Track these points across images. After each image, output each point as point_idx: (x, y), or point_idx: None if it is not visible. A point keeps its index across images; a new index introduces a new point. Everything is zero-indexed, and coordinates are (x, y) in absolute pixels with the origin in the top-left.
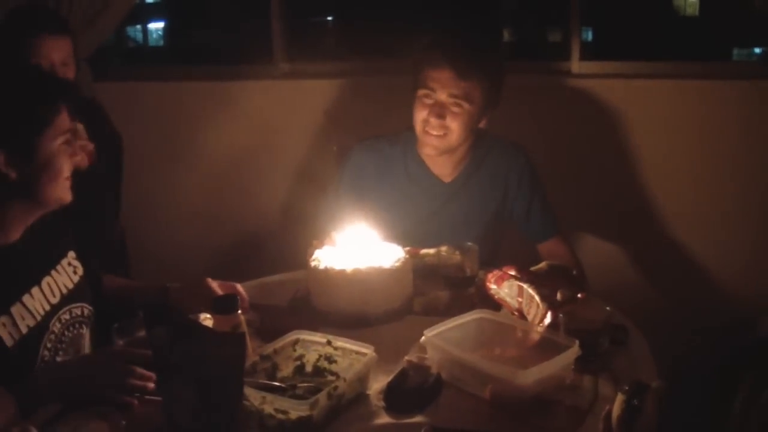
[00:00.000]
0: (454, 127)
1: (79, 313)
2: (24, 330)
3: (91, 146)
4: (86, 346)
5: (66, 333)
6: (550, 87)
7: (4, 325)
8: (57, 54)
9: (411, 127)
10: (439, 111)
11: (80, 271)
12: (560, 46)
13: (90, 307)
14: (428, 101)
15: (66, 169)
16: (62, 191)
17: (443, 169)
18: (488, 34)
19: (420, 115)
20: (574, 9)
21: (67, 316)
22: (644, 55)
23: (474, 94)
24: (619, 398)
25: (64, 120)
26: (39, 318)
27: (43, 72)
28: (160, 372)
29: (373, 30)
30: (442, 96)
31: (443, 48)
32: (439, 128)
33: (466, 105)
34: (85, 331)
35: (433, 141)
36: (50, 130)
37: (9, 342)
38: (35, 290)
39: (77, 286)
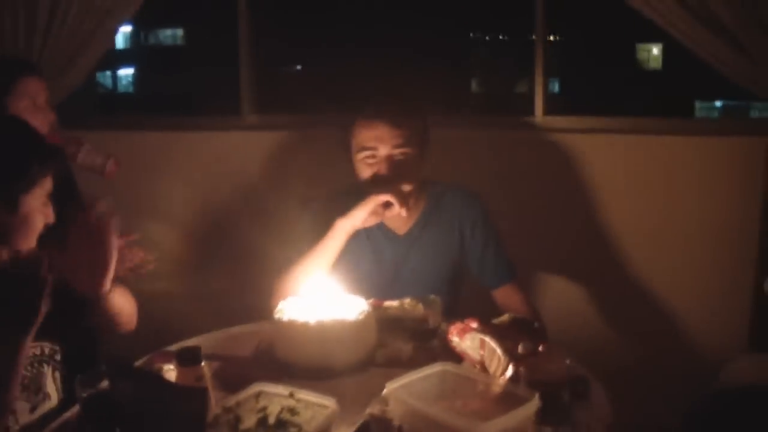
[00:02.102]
0: (407, 174)
1: (38, 352)
2: None
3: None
4: (48, 385)
5: (26, 371)
6: (514, 140)
7: None
8: (43, 95)
9: (361, 182)
10: (389, 166)
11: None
12: (527, 97)
13: (54, 346)
14: (372, 161)
15: (39, 226)
16: (31, 245)
17: (396, 222)
18: (397, 81)
19: (368, 175)
20: (539, 62)
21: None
22: (610, 107)
23: (413, 138)
24: None
25: (48, 182)
26: None
27: (40, 135)
28: (123, 426)
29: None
30: (385, 151)
31: (371, 106)
32: None
33: (410, 150)
34: (46, 370)
35: None
36: (36, 189)
37: None
38: None
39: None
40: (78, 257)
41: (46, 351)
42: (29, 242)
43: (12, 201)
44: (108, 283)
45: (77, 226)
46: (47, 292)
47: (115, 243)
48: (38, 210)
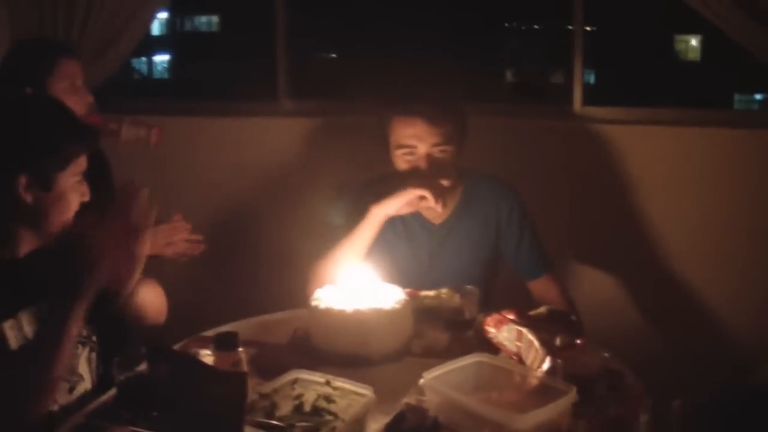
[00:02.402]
0: (445, 170)
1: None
2: (30, 335)
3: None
4: (81, 366)
5: None
6: (550, 129)
7: (11, 327)
8: (81, 77)
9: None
10: (428, 163)
11: None
12: (562, 87)
13: (90, 326)
14: (410, 158)
15: (74, 205)
16: (62, 228)
17: (432, 212)
18: (436, 74)
19: (405, 168)
20: (578, 52)
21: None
22: (646, 99)
23: (452, 136)
24: None
25: (83, 161)
26: None
27: (75, 114)
28: (161, 408)
29: (377, 67)
30: (424, 149)
31: (410, 104)
32: None
33: (449, 147)
34: (80, 351)
35: None
36: (72, 167)
37: (14, 344)
38: (40, 305)
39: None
40: (107, 248)
41: (83, 332)
42: (65, 221)
43: (47, 179)
44: (132, 282)
45: (112, 215)
46: (95, 268)
47: (148, 242)
48: (73, 188)
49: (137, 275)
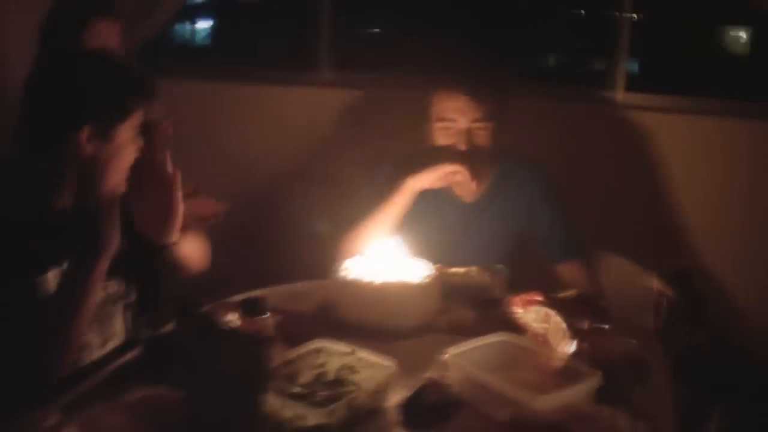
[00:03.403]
0: (483, 148)
1: (111, 290)
2: None
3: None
4: (117, 323)
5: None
6: (592, 115)
7: (55, 276)
8: (114, 39)
9: (435, 147)
10: (467, 139)
11: None
12: (602, 75)
13: (128, 286)
14: (450, 132)
15: (129, 159)
16: (119, 180)
17: (465, 189)
18: (481, 52)
19: (444, 144)
20: (624, 38)
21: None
22: (691, 91)
23: (492, 112)
24: None
25: (141, 114)
26: None
27: (136, 68)
28: (185, 369)
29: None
30: (464, 124)
31: (454, 77)
32: None
33: (489, 124)
34: (117, 308)
35: None
36: (131, 120)
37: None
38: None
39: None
40: (147, 203)
41: (119, 290)
42: (121, 174)
43: (108, 131)
44: (175, 234)
45: (146, 171)
46: (117, 228)
47: (180, 195)
48: (131, 142)
49: (176, 232)
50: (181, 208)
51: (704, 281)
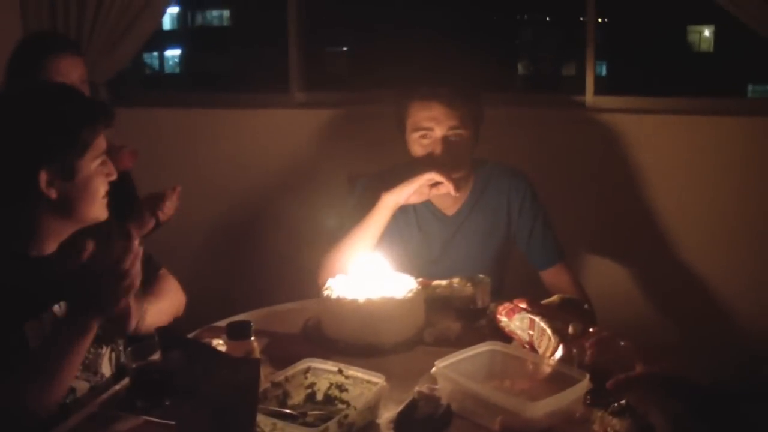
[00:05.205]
0: (461, 155)
1: (99, 333)
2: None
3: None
4: (104, 366)
5: (88, 352)
6: (563, 119)
7: (32, 328)
8: (75, 74)
9: (411, 161)
10: (444, 147)
11: None
12: (574, 79)
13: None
14: (426, 141)
15: (102, 189)
16: (99, 210)
17: (445, 202)
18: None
19: (421, 155)
20: (590, 42)
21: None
22: (658, 91)
23: (468, 120)
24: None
25: (102, 142)
26: None
27: (84, 95)
28: (173, 396)
29: (388, 60)
30: (441, 132)
31: (428, 86)
32: None
33: (464, 132)
34: (104, 351)
35: None
36: (90, 152)
37: (34, 343)
38: (63, 304)
39: None
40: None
41: (105, 333)
42: (96, 209)
43: (68, 169)
44: (132, 325)
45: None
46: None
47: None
48: (97, 172)
49: (131, 325)
50: (132, 311)
51: (684, 276)
